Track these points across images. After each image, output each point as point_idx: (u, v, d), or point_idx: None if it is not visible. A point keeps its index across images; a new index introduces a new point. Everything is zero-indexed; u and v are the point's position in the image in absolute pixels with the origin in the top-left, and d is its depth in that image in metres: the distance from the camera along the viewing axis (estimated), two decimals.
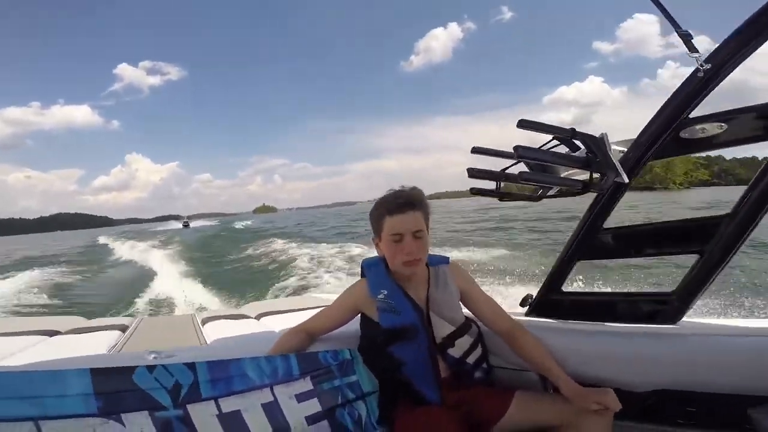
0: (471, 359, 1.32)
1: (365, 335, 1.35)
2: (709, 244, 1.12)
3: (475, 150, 1.23)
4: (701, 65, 0.99)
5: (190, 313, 1.89)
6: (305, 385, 1.18)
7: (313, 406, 1.16)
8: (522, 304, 1.50)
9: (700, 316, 1.32)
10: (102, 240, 28.16)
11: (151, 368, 1.00)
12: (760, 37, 0.93)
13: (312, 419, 1.14)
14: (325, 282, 8.61)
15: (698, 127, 1.07)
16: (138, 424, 0.93)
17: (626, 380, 1.25)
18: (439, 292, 1.31)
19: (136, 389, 0.97)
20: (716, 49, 0.99)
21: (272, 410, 1.10)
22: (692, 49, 1.00)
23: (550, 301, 1.41)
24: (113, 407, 0.93)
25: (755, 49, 0.95)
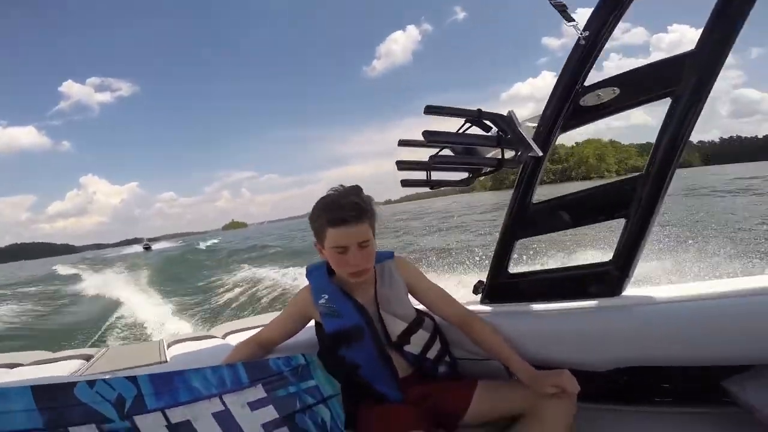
0: (431, 354, 1.31)
1: (320, 340, 1.35)
2: (631, 206, 1.14)
3: (402, 143, 1.22)
4: (581, 33, 1.04)
5: (158, 340, 1.86)
6: (257, 392, 1.17)
7: (269, 413, 1.15)
8: (475, 292, 1.49)
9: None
10: (60, 270, 26.80)
11: (91, 383, 1.01)
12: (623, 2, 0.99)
13: (270, 426, 1.13)
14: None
15: (594, 93, 1.11)
16: None
17: (584, 360, 1.23)
18: (386, 289, 1.30)
19: (79, 404, 0.98)
20: (591, 16, 1.03)
21: (225, 419, 1.10)
22: (568, 18, 1.04)
23: (499, 285, 1.42)
24: (59, 421, 0.94)
25: (625, 9, 1.01)
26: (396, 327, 1.27)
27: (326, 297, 1.28)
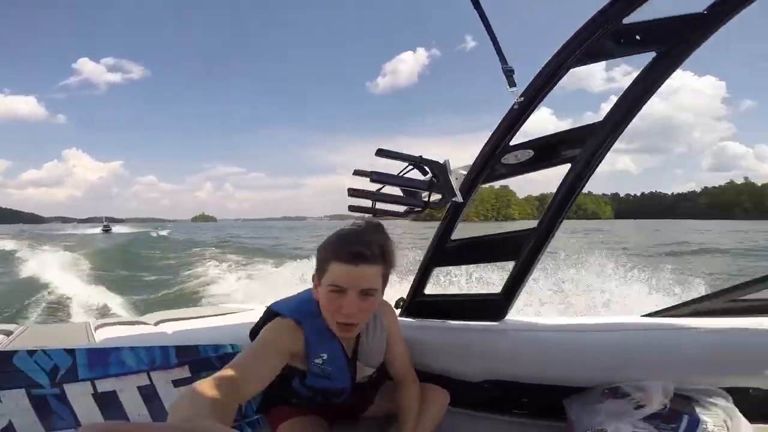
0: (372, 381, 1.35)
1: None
2: (521, 252, 1.34)
3: (356, 173, 1.23)
4: (517, 99, 1.13)
5: (84, 321, 1.86)
6: (183, 372, 1.29)
7: None
8: (396, 307, 1.64)
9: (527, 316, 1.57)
10: None
11: (31, 352, 1.10)
12: (558, 74, 1.09)
13: None
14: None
15: (513, 153, 1.24)
16: (14, 399, 1.05)
17: (461, 370, 1.50)
18: (371, 339, 1.23)
19: (15, 370, 1.07)
20: (528, 86, 1.13)
21: (148, 393, 1.22)
22: (512, 83, 1.12)
23: (417, 303, 1.61)
24: None
25: (556, 83, 1.11)
26: (364, 373, 1.26)
27: (324, 357, 1.12)
